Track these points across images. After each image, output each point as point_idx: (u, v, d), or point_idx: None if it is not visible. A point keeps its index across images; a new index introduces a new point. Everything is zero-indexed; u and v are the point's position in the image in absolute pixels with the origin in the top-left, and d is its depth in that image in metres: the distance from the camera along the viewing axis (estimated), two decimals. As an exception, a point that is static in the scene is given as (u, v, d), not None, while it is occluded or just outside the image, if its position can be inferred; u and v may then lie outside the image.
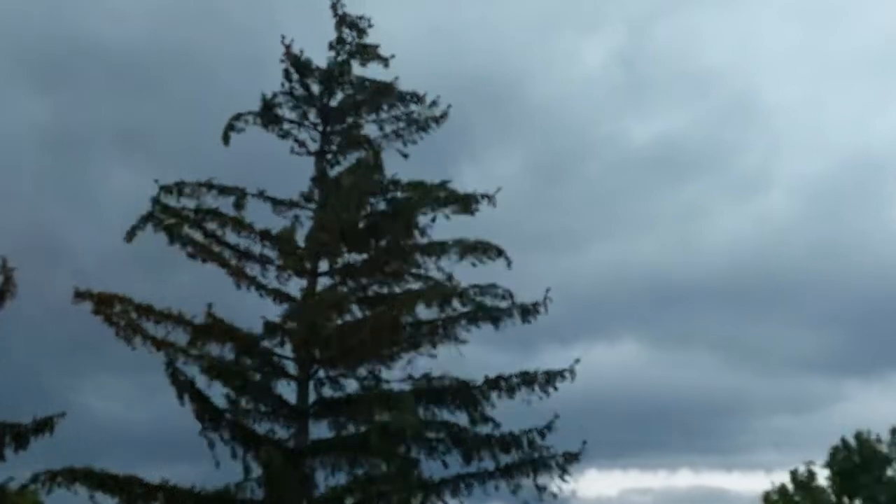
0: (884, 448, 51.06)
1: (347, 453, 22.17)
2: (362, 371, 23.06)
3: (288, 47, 23.64)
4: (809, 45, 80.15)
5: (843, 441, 50.59)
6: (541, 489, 22.74)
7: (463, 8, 59.89)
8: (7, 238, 26.39)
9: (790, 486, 52.15)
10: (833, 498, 50.69)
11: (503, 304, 23.05)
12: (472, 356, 23.72)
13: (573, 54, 69.18)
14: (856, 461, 50.28)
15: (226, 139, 23.20)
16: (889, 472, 50.86)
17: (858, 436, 50.66)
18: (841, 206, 73.74)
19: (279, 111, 23.59)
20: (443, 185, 23.26)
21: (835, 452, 50.71)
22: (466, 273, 23.26)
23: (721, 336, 67.58)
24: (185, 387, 21.37)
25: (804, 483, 51.41)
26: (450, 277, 22.94)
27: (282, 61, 23.64)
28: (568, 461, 22.91)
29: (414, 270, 23.17)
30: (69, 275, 25.89)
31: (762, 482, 51.79)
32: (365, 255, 23.35)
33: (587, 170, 66.69)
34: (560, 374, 23.06)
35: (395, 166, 23.74)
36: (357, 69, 23.92)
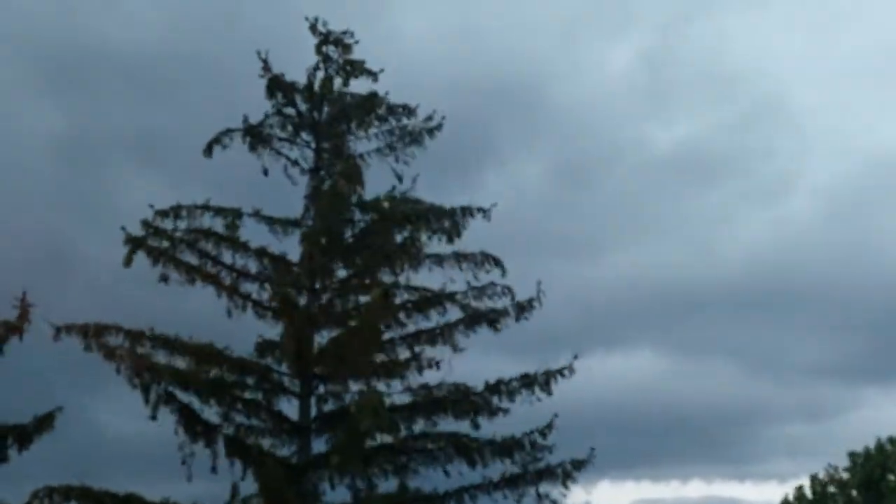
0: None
1: (347, 467, 22.19)
2: (361, 385, 23.18)
3: (265, 62, 23.72)
4: (835, 47, 79.68)
5: (866, 449, 50.32)
6: (544, 497, 22.76)
7: (487, 11, 59.69)
8: (19, 247, 26.63)
9: (808, 492, 51.85)
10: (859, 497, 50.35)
11: (501, 304, 23.13)
12: (483, 368, 23.84)
13: (598, 58, 69.00)
14: (874, 470, 50.00)
15: (208, 152, 23.29)
16: None
17: (879, 446, 50.34)
18: (864, 211, 73.24)
19: (270, 131, 23.68)
20: (430, 204, 23.33)
21: (853, 459, 50.38)
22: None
23: (739, 344, 67.26)
24: (161, 400, 21.40)
25: (833, 480, 51.05)
26: (443, 287, 23.05)
27: (261, 76, 23.74)
28: (575, 468, 22.98)
29: (408, 283, 23.28)
30: (81, 286, 26.24)
31: (775, 492, 51.53)
32: (356, 269, 23.47)
33: (611, 175, 66.50)
34: (559, 372, 23.14)
35: (410, 173, 23.83)
36: (344, 84, 24.00)
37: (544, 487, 22.89)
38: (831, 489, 51.10)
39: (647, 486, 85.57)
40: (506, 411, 23.18)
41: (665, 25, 71.03)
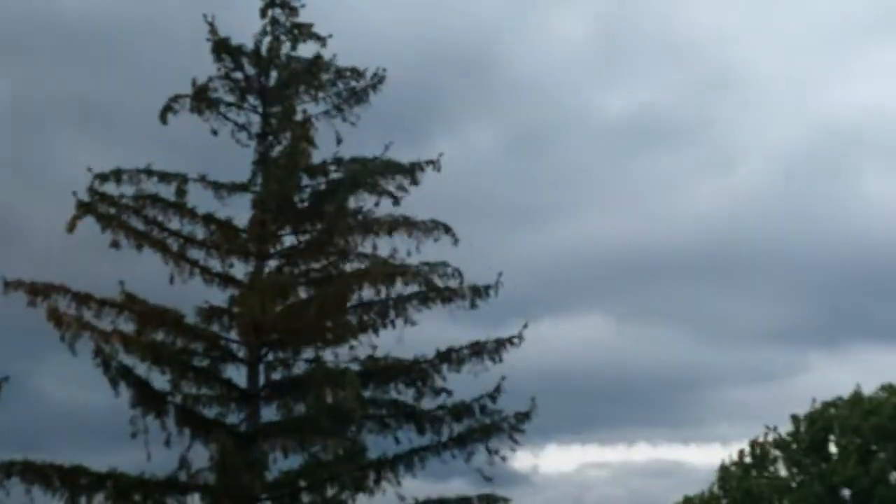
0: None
1: (297, 435, 22.09)
2: (311, 353, 23.03)
3: (212, 25, 23.34)
4: (788, 15, 79.86)
5: (809, 413, 50.74)
6: (493, 452, 22.77)
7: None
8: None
9: (748, 457, 52.27)
10: (793, 471, 50.81)
11: (452, 284, 23.03)
12: (430, 334, 23.72)
13: (551, 24, 68.88)
14: (815, 434, 50.46)
15: (163, 119, 22.94)
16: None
17: (820, 411, 50.78)
18: (814, 178, 73.80)
19: (216, 94, 23.35)
20: (378, 159, 23.09)
21: (796, 422, 50.81)
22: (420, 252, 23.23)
23: (687, 309, 67.75)
24: (119, 373, 21.19)
25: (762, 452, 51.50)
26: (393, 254, 22.86)
27: (207, 40, 23.37)
28: (520, 421, 23.01)
29: (359, 250, 23.10)
30: (24, 253, 25.84)
31: (718, 454, 52.09)
32: (307, 236, 23.26)
33: (563, 142, 66.55)
34: (509, 340, 23.12)
35: (358, 141, 23.59)
36: (292, 48, 23.66)
37: (493, 444, 22.91)
38: (775, 452, 51.54)
39: (593, 450, 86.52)
40: (450, 393, 23.14)
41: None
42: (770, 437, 51.63)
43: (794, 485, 50.38)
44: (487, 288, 23.04)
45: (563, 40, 67.72)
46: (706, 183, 73.19)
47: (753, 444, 52.05)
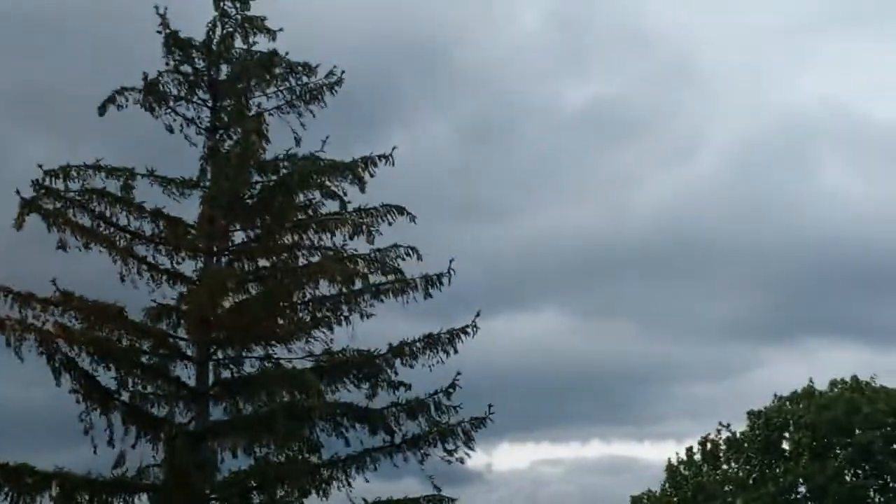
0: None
1: (248, 434, 21.82)
2: (261, 350, 22.78)
3: (163, 17, 22.97)
4: (748, 6, 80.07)
5: (766, 409, 50.86)
6: (449, 452, 22.57)
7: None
8: None
9: (697, 455, 52.34)
10: (746, 468, 50.94)
11: (408, 266, 22.82)
12: (385, 329, 23.52)
13: (509, 15, 68.72)
14: (770, 431, 50.59)
15: (102, 110, 22.60)
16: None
17: (778, 407, 50.92)
18: (770, 171, 74.06)
19: (165, 88, 23.01)
20: (329, 159, 22.84)
21: (752, 418, 50.91)
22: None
23: (644, 304, 67.84)
24: (62, 365, 20.84)
25: (713, 449, 51.61)
26: (344, 247, 22.62)
27: (158, 32, 23.03)
28: (475, 426, 22.77)
29: (311, 245, 22.84)
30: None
31: (673, 451, 52.16)
32: (258, 232, 22.99)
33: (519, 135, 66.39)
34: (463, 330, 22.91)
35: (314, 134, 23.32)
36: (243, 42, 23.38)
37: (448, 447, 22.70)
38: (726, 449, 51.62)
39: (546, 448, 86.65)
40: (408, 387, 22.92)
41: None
42: (723, 434, 51.76)
43: (749, 481, 50.49)
44: (440, 276, 22.84)
45: (522, 32, 67.69)
46: (663, 175, 73.41)
47: (703, 441, 52.17)
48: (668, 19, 75.69)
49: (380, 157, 23.02)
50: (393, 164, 23.08)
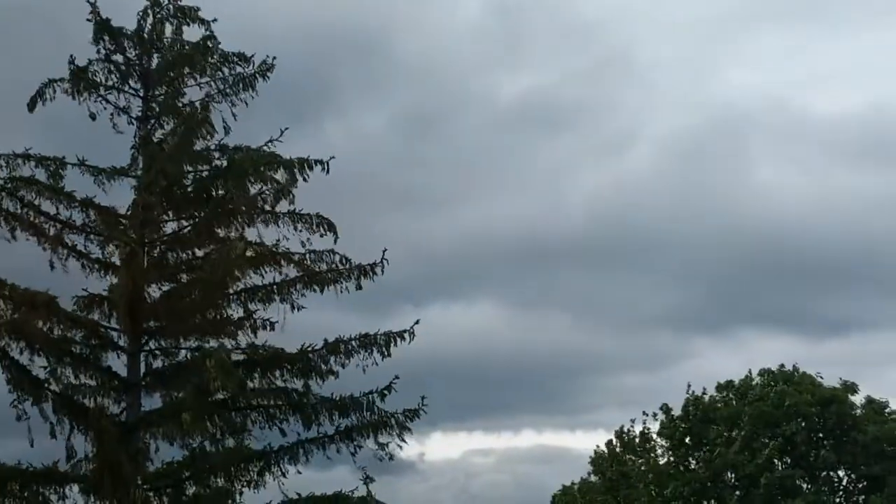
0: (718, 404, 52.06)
1: (179, 424, 21.75)
2: (193, 341, 22.72)
3: (93, 5, 22.75)
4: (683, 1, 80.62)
5: (687, 400, 51.46)
6: (382, 446, 22.64)
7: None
8: None
9: (618, 446, 52.87)
10: (670, 457, 51.52)
11: (340, 269, 22.86)
12: (320, 320, 23.52)
13: (448, 5, 68.70)
14: (692, 420, 51.18)
15: (31, 106, 22.43)
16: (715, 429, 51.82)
17: (695, 399, 51.51)
18: (707, 164, 74.71)
19: (95, 77, 22.82)
20: (267, 152, 22.74)
21: (667, 412, 51.49)
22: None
23: (578, 296, 68.30)
24: None
25: (629, 439, 52.18)
26: (276, 243, 22.62)
27: (88, 20, 22.81)
28: (408, 418, 22.87)
29: (243, 237, 22.75)
30: None
31: (604, 440, 52.76)
32: (190, 223, 22.89)
33: (456, 126, 66.49)
34: (400, 335, 22.96)
35: (247, 122, 23.18)
36: (176, 32, 23.23)
37: (380, 440, 22.77)
38: (643, 441, 52.18)
39: (478, 437, 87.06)
40: (336, 374, 22.94)
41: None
42: (647, 424, 52.32)
43: (671, 471, 51.06)
44: (373, 266, 22.87)
45: (460, 22, 67.76)
46: (600, 167, 73.85)
47: (619, 431, 52.74)
48: (606, 11, 76.11)
49: (317, 161, 22.93)
50: (328, 173, 22.99)
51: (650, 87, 77.96)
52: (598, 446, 53.17)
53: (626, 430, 52.16)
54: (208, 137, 22.71)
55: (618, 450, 52.14)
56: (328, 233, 22.80)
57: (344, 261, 22.79)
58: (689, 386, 51.78)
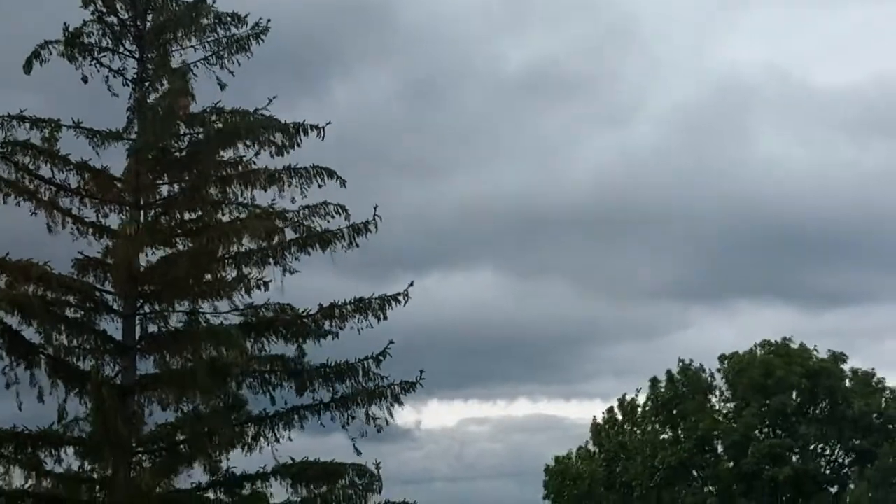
0: (715, 377, 52.24)
1: (174, 388, 21.74)
2: (187, 305, 22.65)
3: None
4: None
5: (668, 372, 51.60)
6: (372, 419, 22.63)
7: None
8: None
9: (619, 414, 53.06)
10: (656, 427, 51.74)
11: (335, 225, 22.72)
12: (318, 288, 23.44)
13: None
14: (678, 391, 51.36)
15: (27, 68, 22.27)
16: (713, 400, 52.03)
17: (684, 368, 51.65)
18: (708, 136, 74.64)
19: (89, 39, 22.66)
20: (264, 117, 22.63)
21: (654, 383, 51.67)
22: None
23: (579, 266, 68.33)
24: None
25: (630, 409, 52.39)
26: (273, 203, 22.53)
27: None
28: (404, 390, 22.87)
29: (238, 200, 22.69)
30: None
31: (599, 410, 52.99)
32: (184, 186, 22.79)
33: (462, 94, 66.33)
34: (395, 297, 22.91)
35: (250, 87, 22.96)
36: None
37: (374, 409, 22.77)
38: (642, 410, 52.42)
39: (474, 406, 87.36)
40: (335, 334, 22.91)
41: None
42: (643, 394, 52.52)
43: (664, 437, 51.28)
44: (367, 224, 22.72)
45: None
46: (602, 137, 73.78)
47: (621, 401, 52.88)
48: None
49: (312, 126, 22.80)
50: (323, 139, 22.85)
51: (654, 58, 77.79)
52: (596, 416, 53.34)
53: (628, 399, 52.36)
54: (188, 103, 22.44)
55: (619, 417, 52.36)
56: (329, 180, 22.64)
57: (339, 209, 22.62)
58: (680, 360, 51.98)
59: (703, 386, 51.41)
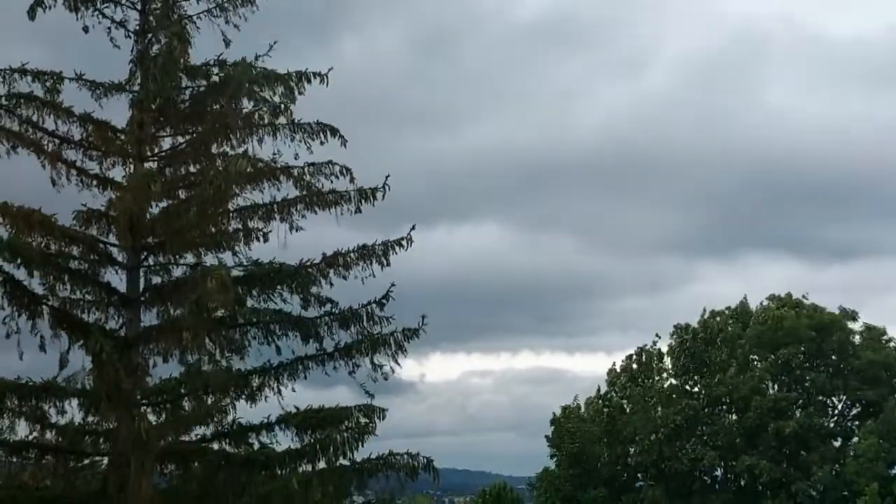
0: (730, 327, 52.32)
1: (176, 338, 21.77)
2: (191, 257, 22.69)
3: None
4: None
5: (700, 320, 51.66)
6: (378, 367, 22.69)
7: None
8: None
9: (635, 364, 53.30)
10: (671, 381, 51.95)
11: (340, 185, 22.71)
12: (321, 240, 23.40)
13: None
14: (711, 336, 51.45)
15: (31, 14, 22.16)
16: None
17: (704, 322, 51.73)
18: (720, 87, 74.26)
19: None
20: (266, 70, 22.48)
21: (679, 332, 51.79)
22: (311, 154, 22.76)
23: (586, 218, 68.39)
24: None
25: (650, 358, 52.58)
26: (275, 157, 22.48)
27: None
28: (407, 337, 22.88)
29: (241, 151, 22.63)
30: None
31: (602, 363, 53.18)
32: (188, 138, 22.76)
33: (471, 45, 66.12)
34: (397, 242, 22.87)
35: (259, 37, 22.81)
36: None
37: (378, 358, 22.80)
38: (660, 360, 52.59)
39: (477, 358, 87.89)
40: (335, 304, 22.87)
41: None
42: (656, 346, 52.71)
43: (674, 395, 51.51)
44: (374, 190, 22.69)
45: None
46: (611, 88, 73.51)
47: (639, 351, 53.06)
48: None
49: (315, 74, 22.67)
50: (327, 85, 22.75)
51: (665, 6, 77.19)
52: (614, 364, 53.49)
53: (646, 348, 52.53)
54: (187, 54, 22.34)
55: (634, 367, 52.61)
56: (332, 138, 22.58)
57: (344, 171, 22.59)
58: (704, 310, 52.04)
59: (730, 337, 51.38)
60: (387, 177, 22.83)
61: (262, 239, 22.69)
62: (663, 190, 68.09)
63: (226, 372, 22.28)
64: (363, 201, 22.74)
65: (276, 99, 22.52)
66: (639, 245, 69.13)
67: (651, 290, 70.60)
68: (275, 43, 22.68)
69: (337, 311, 22.79)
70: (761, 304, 52.56)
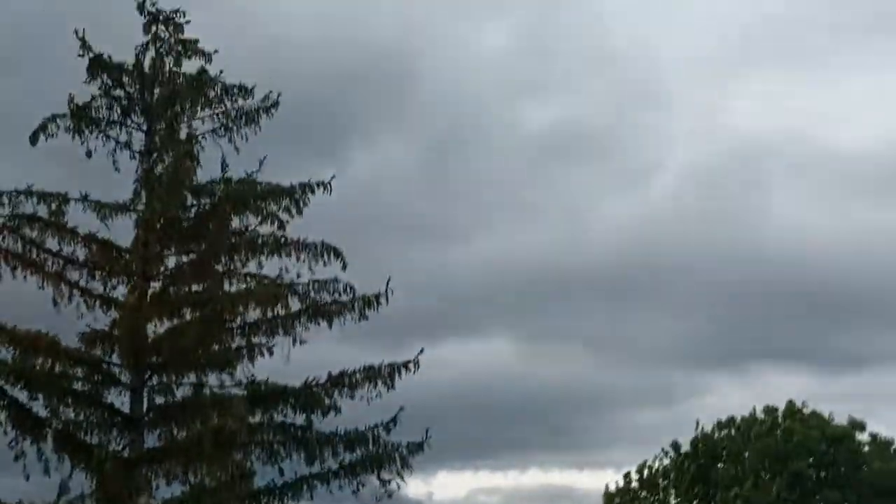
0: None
1: (181, 460, 21.54)
2: (194, 377, 22.52)
3: (83, 40, 22.61)
4: (707, 32, 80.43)
5: (699, 433, 51.03)
6: (384, 483, 22.40)
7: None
8: None
9: (635, 483, 52.35)
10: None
11: (343, 299, 22.64)
12: (328, 357, 23.29)
13: (471, 34, 68.69)
14: (716, 452, 50.81)
15: (33, 140, 22.35)
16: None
17: (703, 436, 51.07)
18: (726, 197, 74.18)
19: (97, 114, 22.74)
20: (270, 185, 22.61)
21: (676, 449, 51.04)
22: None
23: (594, 330, 67.73)
24: None
25: (653, 476, 51.73)
26: (280, 275, 22.46)
27: (80, 56, 22.69)
28: (412, 452, 22.63)
29: (245, 270, 22.65)
30: None
31: (612, 479, 52.27)
32: (192, 257, 22.77)
33: (478, 155, 66.32)
34: (404, 365, 22.69)
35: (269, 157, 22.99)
36: (176, 64, 23.10)
37: (384, 475, 22.52)
38: (661, 477, 51.72)
39: (485, 476, 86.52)
40: (339, 410, 22.71)
41: (540, 3, 71.06)
42: (659, 462, 51.87)
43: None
44: (377, 297, 22.59)
45: (485, 51, 67.74)
46: (618, 199, 73.54)
47: (641, 467, 52.23)
48: (628, 42, 75.91)
49: (318, 183, 22.79)
50: (330, 193, 22.84)
51: (673, 117, 77.62)
52: (608, 484, 52.65)
53: (647, 465, 51.68)
54: (195, 172, 22.48)
55: (633, 485, 51.67)
56: (334, 260, 22.59)
57: (348, 289, 22.53)
58: (697, 423, 51.45)
59: (736, 451, 50.68)
60: (388, 280, 22.65)
61: (265, 354, 22.56)
62: (670, 300, 67.75)
63: (230, 492, 21.97)
64: (367, 308, 22.62)
65: (282, 214, 22.60)
66: (646, 356, 68.50)
67: (660, 402, 69.68)
68: (265, 158, 22.87)
69: (343, 433, 22.55)
70: (751, 414, 51.85)
